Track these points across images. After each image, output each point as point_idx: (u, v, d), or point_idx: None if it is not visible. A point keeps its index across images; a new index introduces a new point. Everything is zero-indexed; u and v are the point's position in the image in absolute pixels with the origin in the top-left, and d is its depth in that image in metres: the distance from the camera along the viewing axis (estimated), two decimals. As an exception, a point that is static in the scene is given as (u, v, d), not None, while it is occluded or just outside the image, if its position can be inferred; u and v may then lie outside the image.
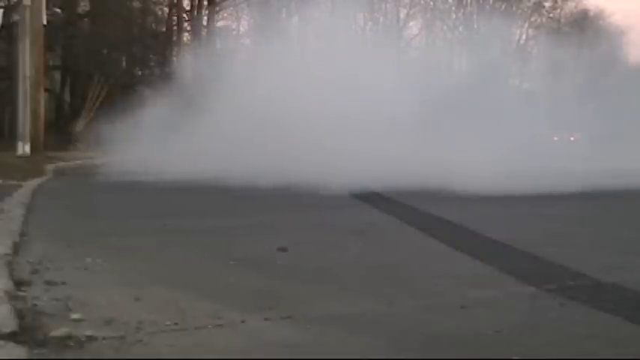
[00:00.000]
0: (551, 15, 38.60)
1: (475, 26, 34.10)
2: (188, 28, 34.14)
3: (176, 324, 3.85)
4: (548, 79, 18.81)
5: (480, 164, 11.24)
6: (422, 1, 36.44)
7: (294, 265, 5.56)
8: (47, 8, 21.03)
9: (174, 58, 32.32)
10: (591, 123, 14.85)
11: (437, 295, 4.69)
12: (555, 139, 16.47)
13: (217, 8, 34.33)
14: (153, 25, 33.16)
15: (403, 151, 12.24)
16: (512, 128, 13.20)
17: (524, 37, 36.15)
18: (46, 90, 24.09)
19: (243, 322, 3.94)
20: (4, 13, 21.23)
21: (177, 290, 4.63)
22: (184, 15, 33.95)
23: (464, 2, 36.75)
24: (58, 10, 27.35)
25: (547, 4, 38.80)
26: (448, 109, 13.80)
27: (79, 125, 26.00)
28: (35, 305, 4.13)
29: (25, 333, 3.56)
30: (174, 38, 33.30)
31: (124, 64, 30.22)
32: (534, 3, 37.99)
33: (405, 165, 11.39)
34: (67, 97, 29.64)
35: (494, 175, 10.51)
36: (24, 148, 19.03)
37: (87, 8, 30.05)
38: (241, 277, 5.14)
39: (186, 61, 21.70)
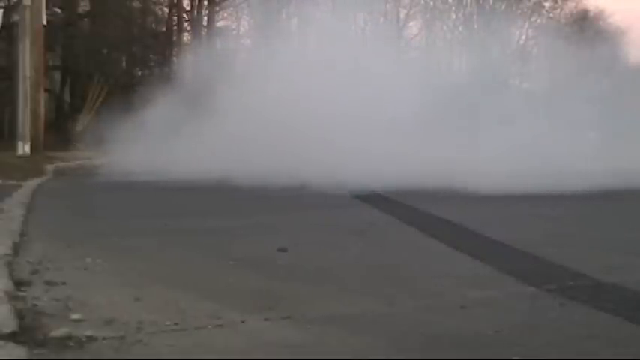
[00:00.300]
0: (551, 15, 38.59)
1: (475, 26, 34.08)
2: (188, 28, 34.14)
3: (176, 324, 3.85)
4: (553, 79, 18.81)
5: (488, 163, 11.26)
6: (422, 1, 36.43)
7: (294, 265, 5.56)
8: (47, 8, 21.01)
9: (175, 58, 32.35)
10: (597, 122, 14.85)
11: (437, 295, 4.69)
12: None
13: (217, 8, 34.32)
14: (153, 25, 33.15)
15: (413, 151, 12.31)
16: (518, 128, 13.23)
17: (523, 37, 36.15)
18: (46, 90, 24.08)
19: (243, 322, 3.94)
20: (4, 13, 21.23)
21: (177, 290, 4.63)
22: (184, 15, 33.95)
23: (464, 2, 36.74)
24: (58, 10, 27.32)
25: (547, 4, 38.78)
26: (457, 108, 13.89)
27: (79, 125, 25.99)
28: (35, 305, 4.13)
29: (25, 333, 3.56)
30: (174, 38, 33.30)
31: (124, 64, 30.21)
32: (534, 3, 37.99)
33: (415, 164, 11.43)
34: (67, 97, 29.63)
35: (499, 174, 10.52)
36: (24, 148, 19.02)
37: (87, 8, 30.03)
38: (241, 277, 5.14)
39: (190, 61, 21.76)
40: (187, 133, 16.02)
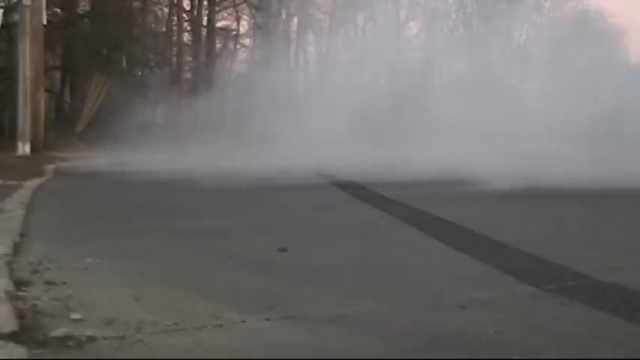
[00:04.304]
0: (551, 15, 38.55)
1: (475, 26, 34.08)
2: (188, 28, 34.15)
3: (176, 324, 3.85)
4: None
5: None
6: (422, 1, 36.41)
7: (294, 265, 5.56)
8: (47, 8, 21.03)
9: (175, 58, 32.37)
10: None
11: (437, 295, 4.69)
12: None
13: (217, 8, 34.34)
14: (153, 25, 33.16)
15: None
16: None
17: (523, 37, 36.13)
18: (46, 90, 24.09)
19: (243, 322, 3.94)
20: (4, 13, 21.24)
21: (177, 290, 4.63)
22: (184, 15, 33.97)
23: (464, 2, 36.71)
24: (58, 10, 27.34)
25: (547, 4, 38.74)
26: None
27: (79, 125, 26.01)
28: (35, 305, 4.13)
29: (25, 333, 3.56)
30: (175, 38, 33.31)
31: (124, 64, 30.23)
32: (534, 3, 37.94)
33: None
34: (67, 97, 29.65)
35: None
36: (24, 148, 19.03)
37: (87, 8, 30.05)
38: (241, 277, 5.14)
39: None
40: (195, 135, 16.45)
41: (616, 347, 3.65)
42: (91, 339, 3.55)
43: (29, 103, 19.38)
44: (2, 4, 22.28)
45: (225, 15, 35.73)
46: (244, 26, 35.72)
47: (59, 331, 3.61)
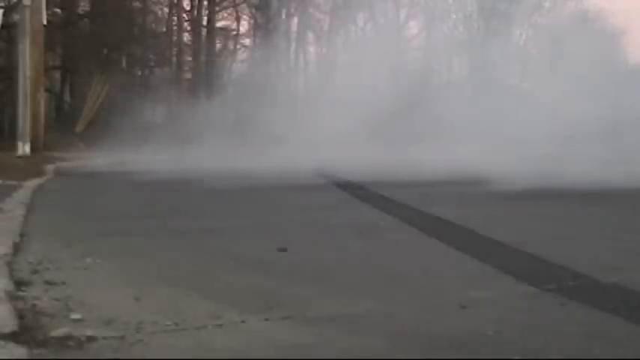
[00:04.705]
0: (551, 15, 38.52)
1: (475, 26, 34.08)
2: (188, 28, 34.17)
3: (176, 324, 3.85)
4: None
5: None
6: (422, 1, 36.42)
7: (294, 265, 5.56)
8: (47, 8, 21.04)
9: (175, 58, 32.37)
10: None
11: (437, 295, 4.69)
12: None
13: (217, 8, 34.36)
14: (153, 25, 33.18)
15: None
16: None
17: (523, 37, 36.11)
18: (46, 90, 24.10)
19: (243, 322, 3.94)
20: (4, 13, 21.24)
21: (177, 290, 4.63)
22: (184, 15, 33.99)
23: (464, 2, 36.71)
24: (58, 10, 27.37)
25: (547, 4, 38.73)
26: None
27: (79, 125, 26.01)
28: (35, 305, 4.13)
29: (25, 333, 3.56)
30: (175, 38, 33.33)
31: (124, 64, 30.25)
32: (534, 3, 37.93)
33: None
34: (67, 97, 29.67)
35: None
36: (24, 148, 19.03)
37: (87, 8, 30.07)
38: (241, 277, 5.14)
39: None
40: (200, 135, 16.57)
41: (616, 347, 3.65)
42: (91, 339, 3.55)
43: (29, 103, 19.39)
44: (2, 4, 22.28)
45: (225, 15, 35.77)
46: (244, 26, 35.77)
47: (59, 331, 3.61)
